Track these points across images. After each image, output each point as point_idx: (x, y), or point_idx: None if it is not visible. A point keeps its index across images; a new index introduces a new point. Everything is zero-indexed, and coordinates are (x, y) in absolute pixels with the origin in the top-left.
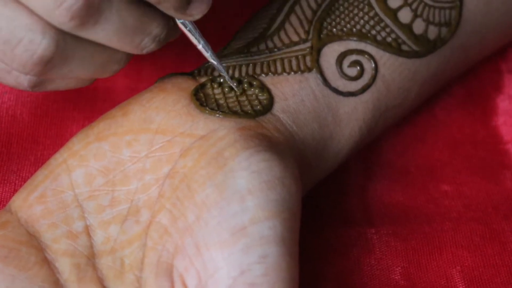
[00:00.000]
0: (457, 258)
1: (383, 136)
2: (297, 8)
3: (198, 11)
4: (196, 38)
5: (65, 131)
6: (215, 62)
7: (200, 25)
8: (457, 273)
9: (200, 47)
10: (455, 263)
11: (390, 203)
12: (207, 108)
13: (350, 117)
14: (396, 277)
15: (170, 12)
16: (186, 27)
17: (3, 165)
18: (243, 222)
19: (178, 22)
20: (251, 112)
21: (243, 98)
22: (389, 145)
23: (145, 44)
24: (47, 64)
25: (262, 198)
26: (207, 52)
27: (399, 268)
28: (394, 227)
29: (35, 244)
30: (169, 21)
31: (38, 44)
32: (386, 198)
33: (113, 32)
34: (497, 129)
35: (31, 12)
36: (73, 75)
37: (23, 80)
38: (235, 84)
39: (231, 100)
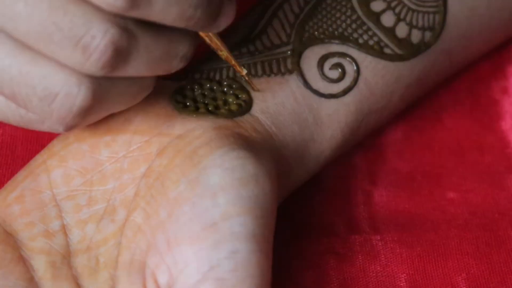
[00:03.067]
0: (463, 266)
1: (390, 143)
2: (280, 13)
3: (225, 22)
4: (220, 46)
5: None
6: (242, 72)
7: None
8: (463, 281)
9: (223, 54)
10: (461, 270)
11: (395, 210)
12: (184, 109)
13: (332, 119)
14: (401, 284)
15: (199, 29)
16: (209, 38)
17: (8, 167)
18: (214, 218)
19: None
20: (228, 113)
21: (222, 99)
22: (395, 152)
23: (174, 66)
24: (86, 112)
25: (234, 195)
26: (231, 61)
27: (405, 275)
28: (400, 234)
29: (11, 242)
30: (194, 37)
31: (75, 96)
32: (392, 205)
33: (143, 66)
34: (504, 133)
35: (63, 65)
36: (109, 112)
37: (58, 128)
38: (255, 87)
39: (210, 101)
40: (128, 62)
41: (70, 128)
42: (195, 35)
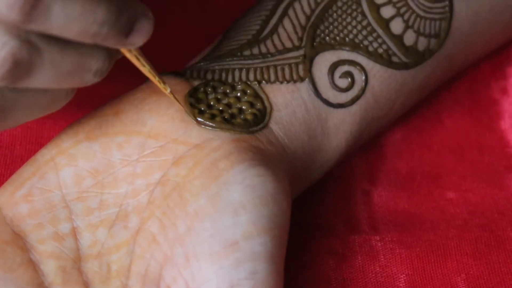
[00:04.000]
0: (462, 266)
1: (389, 143)
2: (291, 12)
3: (140, 39)
4: (141, 63)
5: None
6: (165, 90)
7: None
8: (462, 281)
9: (145, 70)
10: (460, 270)
11: (395, 210)
12: (200, 115)
13: (338, 129)
14: (400, 285)
15: (110, 45)
16: (129, 53)
17: (7, 167)
18: (236, 236)
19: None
20: (244, 123)
21: (237, 106)
22: (395, 152)
23: (87, 80)
24: None
25: (254, 214)
26: (154, 77)
27: (404, 275)
28: (399, 234)
29: (20, 244)
30: (111, 52)
31: None
32: (391, 205)
33: (50, 79)
34: (504, 133)
35: None
36: (22, 121)
37: None
38: (188, 110)
39: (225, 108)
40: (32, 74)
41: None
42: (113, 50)
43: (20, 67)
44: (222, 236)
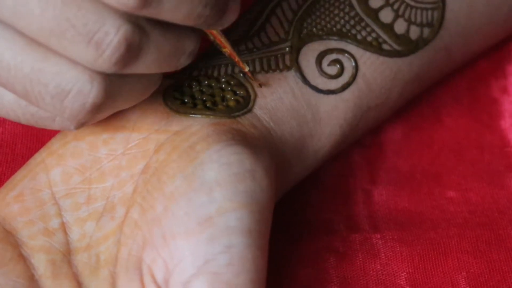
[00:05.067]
0: (463, 264)
1: (389, 141)
2: (278, 10)
3: (232, 17)
4: (223, 43)
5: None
6: (245, 68)
7: None
8: (463, 279)
9: (227, 51)
10: (461, 269)
11: (395, 209)
12: (182, 106)
13: (331, 115)
14: (401, 283)
15: (207, 26)
16: (213, 35)
17: (8, 165)
18: (210, 212)
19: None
20: (226, 109)
21: (220, 95)
22: (395, 151)
23: (182, 62)
24: (99, 109)
25: (230, 190)
26: (235, 57)
27: (405, 273)
28: (400, 233)
29: (11, 240)
30: (199, 34)
31: (88, 93)
32: (392, 204)
33: (152, 62)
34: (504, 132)
35: (75, 62)
36: (119, 109)
37: (69, 125)
38: (259, 84)
39: (208, 97)
40: (139, 58)
41: (81, 125)
42: (200, 32)
43: (133, 51)
44: (197, 214)
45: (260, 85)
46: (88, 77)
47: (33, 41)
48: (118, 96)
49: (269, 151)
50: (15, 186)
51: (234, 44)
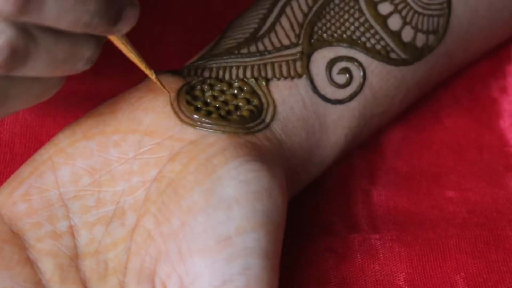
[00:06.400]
0: (461, 264)
1: (388, 142)
2: (288, 10)
3: (127, 26)
4: (128, 49)
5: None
6: (151, 75)
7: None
8: (461, 280)
9: (132, 56)
10: (459, 269)
11: (394, 209)
12: (196, 112)
13: (337, 125)
14: (400, 283)
15: (99, 33)
16: (116, 41)
17: (6, 165)
18: (229, 231)
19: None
20: (240, 119)
21: (233, 103)
22: (394, 151)
23: (79, 67)
24: None
25: (248, 209)
26: (141, 63)
27: (403, 274)
28: (398, 233)
29: (18, 242)
30: (100, 39)
31: None
32: (391, 204)
33: (44, 67)
34: (503, 132)
35: None
36: (13, 111)
37: None
38: (170, 93)
39: (221, 105)
40: (27, 63)
41: None
42: (101, 37)
43: (17, 55)
44: (215, 231)
45: (170, 93)
46: None
47: None
48: (7, 99)
49: (281, 165)
50: (21, 183)
51: (243, 43)
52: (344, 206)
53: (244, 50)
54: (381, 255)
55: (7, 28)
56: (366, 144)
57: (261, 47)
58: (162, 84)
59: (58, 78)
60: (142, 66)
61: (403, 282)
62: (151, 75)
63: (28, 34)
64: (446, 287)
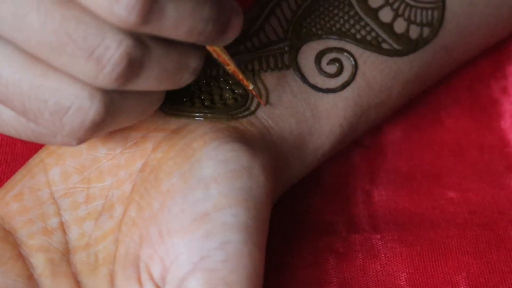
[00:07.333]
0: (463, 265)
1: (389, 142)
2: (277, 10)
3: (234, 34)
4: (226, 60)
5: None
6: (249, 85)
7: None
8: (463, 280)
9: (231, 68)
10: (461, 269)
11: (395, 209)
12: (180, 104)
13: (330, 113)
14: (401, 283)
15: (208, 42)
16: (216, 52)
17: (8, 165)
18: (206, 208)
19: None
20: (224, 107)
21: (219, 94)
22: (395, 151)
23: (185, 80)
24: (98, 126)
25: (226, 186)
26: (239, 75)
27: (405, 274)
28: (400, 233)
29: (10, 240)
30: (203, 50)
31: (88, 109)
32: (392, 204)
33: (154, 79)
34: (504, 132)
35: (75, 78)
36: (119, 126)
37: (70, 141)
38: (265, 103)
39: (206, 96)
40: (141, 74)
41: (82, 141)
42: (204, 48)
43: (134, 66)
44: (193, 210)
45: (265, 104)
46: (88, 93)
47: (32, 57)
48: (119, 114)
49: (267, 149)
50: (14, 185)
51: (231, 45)
52: (345, 206)
53: (232, 50)
54: (383, 255)
55: (125, 38)
56: (366, 144)
57: (249, 45)
58: (257, 95)
59: (161, 93)
60: (240, 76)
61: (404, 282)
62: (249, 85)
63: (143, 44)
64: (448, 287)
